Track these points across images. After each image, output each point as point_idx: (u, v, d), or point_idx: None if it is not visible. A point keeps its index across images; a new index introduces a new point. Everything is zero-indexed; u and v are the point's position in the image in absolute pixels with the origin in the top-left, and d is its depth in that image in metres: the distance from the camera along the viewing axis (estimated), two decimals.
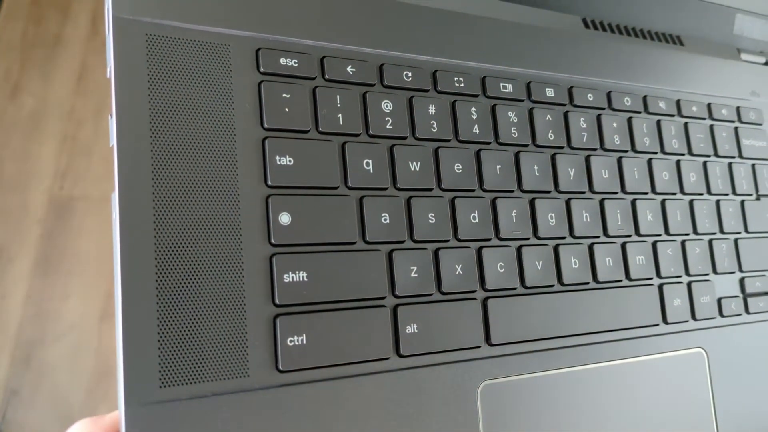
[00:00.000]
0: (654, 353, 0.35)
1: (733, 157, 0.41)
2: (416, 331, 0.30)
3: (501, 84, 0.34)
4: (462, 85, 0.33)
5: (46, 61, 0.92)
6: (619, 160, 0.38)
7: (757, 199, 0.39)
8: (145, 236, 0.25)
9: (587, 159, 0.36)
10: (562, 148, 0.35)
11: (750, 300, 0.39)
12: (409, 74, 0.31)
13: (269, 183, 0.28)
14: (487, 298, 0.31)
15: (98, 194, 0.84)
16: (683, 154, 0.41)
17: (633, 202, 0.38)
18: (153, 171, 0.25)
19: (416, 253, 0.30)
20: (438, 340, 0.30)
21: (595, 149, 0.36)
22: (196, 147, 0.26)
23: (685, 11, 0.43)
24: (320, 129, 0.29)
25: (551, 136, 0.35)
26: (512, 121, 0.34)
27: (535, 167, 0.34)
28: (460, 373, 0.30)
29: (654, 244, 0.38)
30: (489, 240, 0.33)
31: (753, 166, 0.40)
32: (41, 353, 0.77)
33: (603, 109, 0.37)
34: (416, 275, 0.30)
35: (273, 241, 0.27)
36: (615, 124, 0.37)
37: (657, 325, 0.37)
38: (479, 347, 0.31)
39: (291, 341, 0.26)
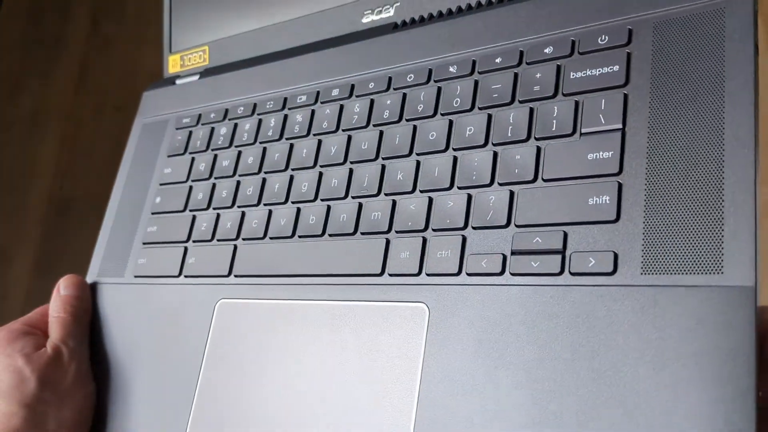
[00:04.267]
0: (374, 300, 0.34)
1: (549, 97, 0.33)
2: (194, 261, 0.42)
3: (332, 91, 0.42)
4: (304, 99, 0.43)
5: (46, 61, 0.94)
6: (381, 133, 0.38)
7: (579, 138, 0.31)
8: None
9: (349, 138, 0.40)
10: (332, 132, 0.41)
11: (515, 259, 0.30)
12: None
13: None
14: (240, 244, 0.41)
15: (98, 194, 0.88)
16: (466, 111, 0.35)
17: (383, 166, 0.37)
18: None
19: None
20: (203, 269, 0.42)
21: (364, 126, 0.39)
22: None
23: None
24: None
25: (325, 125, 0.41)
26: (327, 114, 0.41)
27: (304, 151, 0.41)
28: (206, 292, 0.41)
29: (394, 202, 0.36)
30: (255, 205, 0.42)
31: (577, 102, 0.32)
32: None
33: (382, 92, 0.40)
34: (204, 228, 0.43)
35: None
36: (389, 101, 0.39)
37: (379, 275, 0.34)
38: (226, 276, 0.41)
39: None
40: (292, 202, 0.39)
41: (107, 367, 0.42)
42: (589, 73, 0.32)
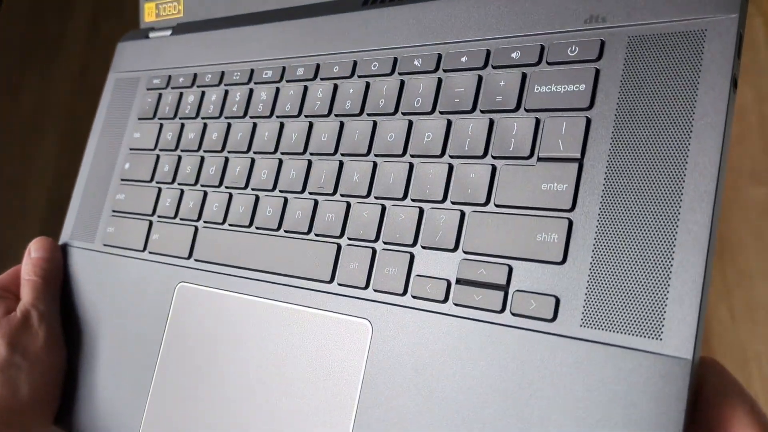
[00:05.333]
0: (322, 309, 0.33)
1: (511, 110, 0.30)
2: (158, 237, 0.42)
3: (297, 70, 0.40)
4: (270, 75, 0.41)
5: (46, 61, 0.91)
6: (341, 124, 0.36)
7: (535, 164, 0.28)
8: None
9: (310, 125, 0.38)
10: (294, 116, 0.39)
11: (459, 288, 0.29)
12: None
13: None
14: (201, 227, 0.40)
15: None
16: (426, 113, 0.33)
17: (341, 163, 0.35)
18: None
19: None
20: (165, 247, 0.41)
21: (325, 114, 0.38)
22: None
23: None
24: None
25: (288, 107, 0.39)
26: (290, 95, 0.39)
27: (266, 134, 0.39)
28: (168, 272, 0.41)
29: (348, 205, 0.34)
30: (216, 186, 0.41)
31: (538, 120, 0.29)
32: None
33: (346, 78, 0.38)
34: (169, 204, 0.42)
35: None
36: (351, 90, 0.37)
37: (328, 282, 0.33)
38: (186, 258, 0.40)
39: None
40: (252, 189, 0.38)
41: (74, 332, 0.43)
42: (554, 88, 0.29)
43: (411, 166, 0.32)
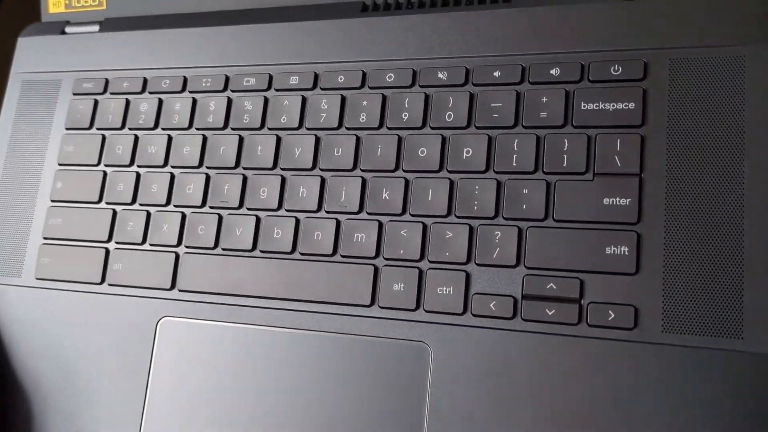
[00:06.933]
0: (366, 335, 0.32)
1: (558, 126, 0.32)
2: (121, 267, 0.37)
3: (289, 78, 0.37)
4: (253, 82, 0.37)
5: None
6: (358, 139, 0.34)
7: (592, 179, 0.30)
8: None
9: (317, 139, 0.35)
10: (335, 128, 0.35)
11: (528, 303, 0.29)
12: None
13: None
14: (184, 252, 0.36)
15: None
16: (461, 128, 0.32)
17: (363, 180, 0.34)
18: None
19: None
20: (135, 278, 0.36)
21: (336, 127, 0.35)
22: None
23: None
24: None
25: (284, 119, 0.36)
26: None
27: (259, 148, 0.36)
28: (142, 307, 0.36)
29: (380, 224, 0.33)
30: (199, 207, 0.36)
31: (590, 137, 0.30)
32: None
33: (309, 89, 0.36)
34: (132, 228, 0.37)
35: None
36: (365, 102, 0.35)
37: (367, 306, 0.32)
38: (168, 289, 0.36)
39: None
40: (248, 209, 0.34)
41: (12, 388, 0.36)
42: (602, 106, 0.30)
43: (451, 182, 0.32)
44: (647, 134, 0.30)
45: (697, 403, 0.27)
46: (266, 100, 0.36)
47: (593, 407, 0.28)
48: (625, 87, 0.30)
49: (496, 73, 0.32)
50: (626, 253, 0.29)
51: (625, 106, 0.30)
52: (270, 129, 0.36)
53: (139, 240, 0.36)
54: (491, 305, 0.30)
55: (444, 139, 0.32)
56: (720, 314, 0.27)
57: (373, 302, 0.32)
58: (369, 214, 0.33)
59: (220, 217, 0.35)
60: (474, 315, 0.30)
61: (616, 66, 0.31)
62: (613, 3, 0.32)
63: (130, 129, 0.38)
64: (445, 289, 0.31)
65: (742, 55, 0.29)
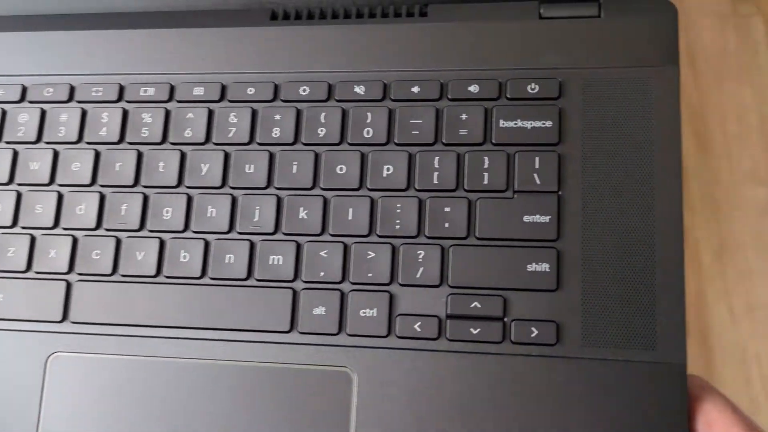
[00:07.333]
0: (285, 363, 0.30)
1: (478, 144, 0.31)
2: (1, 300, 0.33)
3: (193, 89, 0.34)
4: (149, 93, 0.35)
5: None
6: (271, 155, 0.33)
7: (513, 197, 0.30)
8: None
9: (226, 155, 0.33)
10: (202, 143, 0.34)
11: (453, 323, 0.29)
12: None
13: None
14: (76, 281, 0.33)
15: None
16: (380, 144, 0.32)
17: (278, 198, 0.32)
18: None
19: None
20: (18, 310, 0.33)
21: (247, 143, 0.33)
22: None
23: None
24: None
25: (189, 133, 0.34)
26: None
27: (161, 164, 0.34)
28: (29, 341, 0.32)
29: (298, 245, 0.31)
30: (93, 229, 0.33)
31: (509, 155, 0.30)
32: None
33: (216, 101, 0.34)
34: (13, 254, 0.33)
35: None
36: (278, 116, 0.33)
37: (286, 332, 0.30)
38: (58, 322, 0.32)
39: None
40: (151, 231, 0.32)
41: None
42: (520, 124, 0.31)
43: (372, 200, 0.31)
44: (564, 152, 0.30)
45: (617, 414, 0.28)
46: (167, 112, 0.33)
47: (520, 423, 0.28)
48: (542, 105, 0.31)
49: (415, 89, 0.32)
50: (547, 269, 0.29)
51: (543, 124, 0.31)
52: (173, 144, 0.33)
53: (23, 267, 0.32)
54: (416, 326, 0.29)
55: (363, 156, 0.31)
56: (635, 327, 0.28)
57: (292, 328, 0.30)
58: (285, 234, 0.31)
59: (118, 241, 0.32)
60: (398, 337, 0.29)
61: (533, 84, 0.31)
62: (529, 21, 0.32)
63: (7, 143, 0.34)
64: (368, 311, 0.30)
65: (648, 76, 0.31)
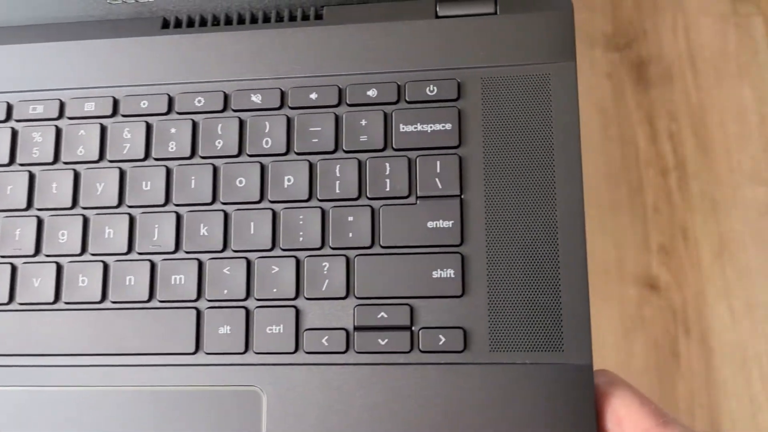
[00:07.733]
0: (192, 385, 0.29)
1: (379, 150, 0.31)
2: None
3: (84, 105, 0.33)
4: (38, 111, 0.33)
5: None
6: (168, 170, 0.32)
7: (415, 202, 0.29)
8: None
9: (121, 172, 0.32)
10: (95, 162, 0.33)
11: (360, 335, 0.29)
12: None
13: None
14: None
15: None
16: (279, 154, 0.31)
17: (177, 215, 0.31)
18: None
19: None
20: None
21: (143, 158, 0.32)
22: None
23: None
24: None
25: (81, 151, 0.33)
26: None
27: (54, 184, 0.32)
28: None
29: (200, 263, 0.30)
30: None
31: (410, 160, 0.29)
32: None
33: (109, 116, 0.33)
34: None
35: None
36: (173, 129, 0.32)
37: (191, 353, 0.30)
38: None
39: None
40: (47, 256, 0.30)
41: None
42: (420, 127, 0.30)
43: (274, 213, 0.30)
44: (465, 155, 0.30)
45: (527, 418, 0.28)
46: (58, 130, 0.32)
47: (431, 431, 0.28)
48: (441, 107, 0.30)
49: (313, 96, 0.31)
50: (452, 275, 0.29)
51: (443, 126, 0.30)
52: (66, 163, 0.32)
53: None
54: (323, 341, 0.29)
55: (263, 167, 0.31)
56: (541, 329, 0.28)
57: (197, 349, 0.29)
58: (187, 252, 0.30)
59: (14, 267, 0.31)
60: (307, 352, 0.29)
61: (431, 86, 0.30)
62: (425, 21, 0.32)
63: None
64: (275, 327, 0.29)
65: (547, 73, 0.30)
